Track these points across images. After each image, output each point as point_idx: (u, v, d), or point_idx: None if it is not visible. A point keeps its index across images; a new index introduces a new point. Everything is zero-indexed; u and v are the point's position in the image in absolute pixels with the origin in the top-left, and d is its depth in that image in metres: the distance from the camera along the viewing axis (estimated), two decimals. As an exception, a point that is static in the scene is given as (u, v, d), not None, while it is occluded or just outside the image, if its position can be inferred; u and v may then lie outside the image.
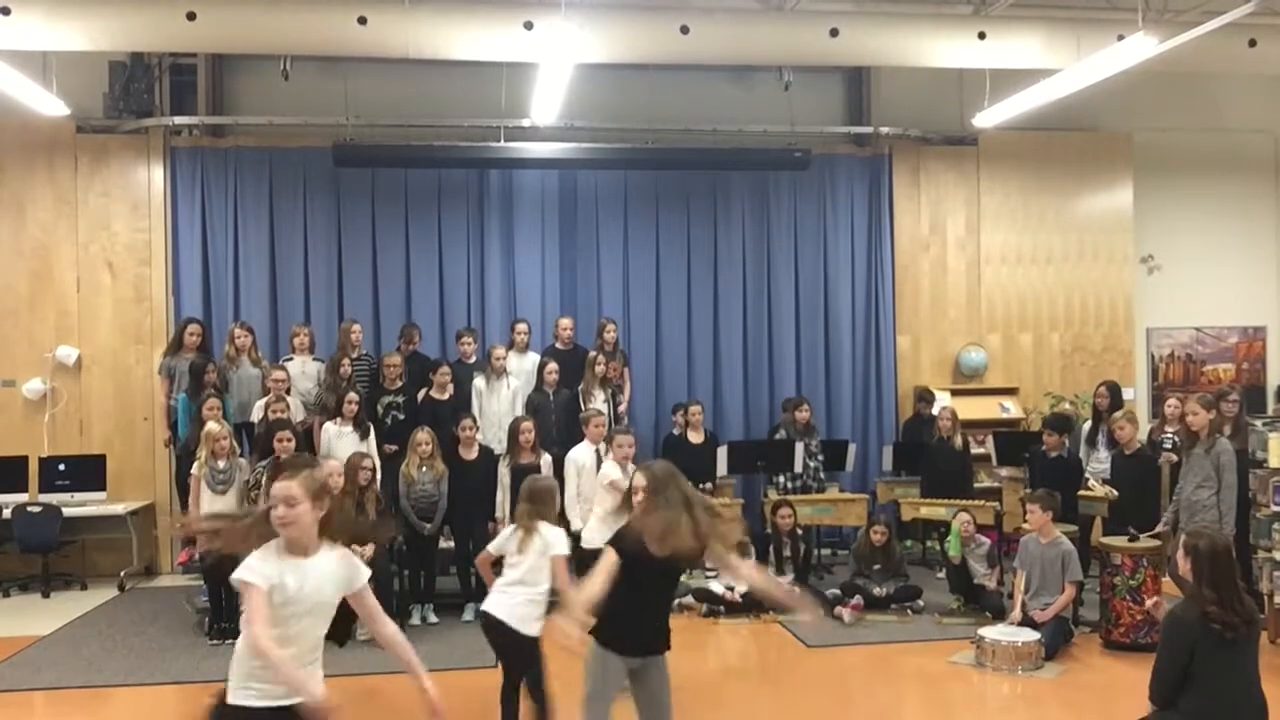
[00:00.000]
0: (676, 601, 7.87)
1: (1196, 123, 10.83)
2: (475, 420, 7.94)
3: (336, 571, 3.24)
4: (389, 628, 3.40)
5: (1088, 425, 8.53)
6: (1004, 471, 9.18)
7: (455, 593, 7.65)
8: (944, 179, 10.45)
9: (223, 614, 7.14)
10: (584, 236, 10.01)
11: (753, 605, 7.73)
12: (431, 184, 9.78)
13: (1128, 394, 10.22)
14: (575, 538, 7.71)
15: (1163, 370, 11.06)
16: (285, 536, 3.16)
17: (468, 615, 7.51)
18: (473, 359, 8.82)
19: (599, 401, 8.47)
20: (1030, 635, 6.46)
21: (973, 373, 10.37)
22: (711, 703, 6.13)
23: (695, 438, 8.94)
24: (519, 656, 4.75)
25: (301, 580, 3.14)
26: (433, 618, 7.40)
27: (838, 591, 7.79)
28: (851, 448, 9.50)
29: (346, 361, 8.31)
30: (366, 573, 3.36)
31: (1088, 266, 10.62)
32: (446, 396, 8.31)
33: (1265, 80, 10.49)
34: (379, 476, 7.44)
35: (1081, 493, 7.92)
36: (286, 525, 3.14)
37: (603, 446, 7.80)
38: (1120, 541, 6.86)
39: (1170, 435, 7.45)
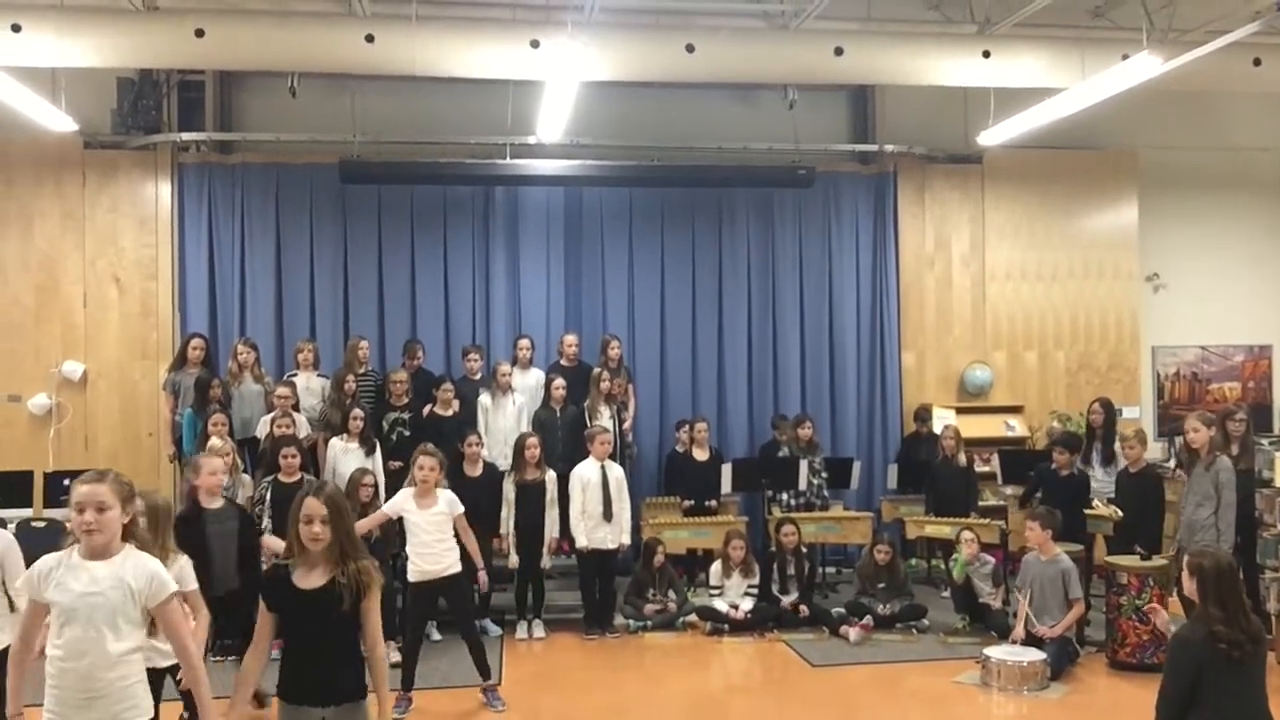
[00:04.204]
0: (680, 620, 7.87)
1: (1202, 141, 10.84)
2: (480, 436, 7.96)
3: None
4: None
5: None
6: (1009, 490, 9.15)
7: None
8: (949, 197, 10.46)
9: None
10: (589, 253, 10.02)
11: (757, 623, 7.72)
12: (437, 201, 9.81)
13: (1132, 412, 10.22)
14: (580, 553, 7.76)
15: (1168, 389, 11.03)
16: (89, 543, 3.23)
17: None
18: (478, 375, 8.83)
19: (604, 418, 8.46)
20: (1036, 655, 6.43)
21: (978, 390, 10.36)
22: (715, 722, 6.12)
23: (700, 455, 8.93)
24: None
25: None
26: (435, 635, 7.38)
27: (843, 610, 7.77)
28: (856, 465, 9.48)
29: (351, 378, 8.33)
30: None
31: (1093, 284, 10.61)
32: (451, 413, 8.32)
33: (1270, 99, 10.51)
34: (382, 494, 7.44)
35: (1087, 511, 7.89)
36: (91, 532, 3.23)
37: (608, 463, 7.84)
38: (1126, 561, 6.83)
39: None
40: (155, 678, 4.36)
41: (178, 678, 4.45)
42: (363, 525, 6.19)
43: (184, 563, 4.46)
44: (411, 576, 6.13)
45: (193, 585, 4.45)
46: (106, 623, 3.24)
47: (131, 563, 3.33)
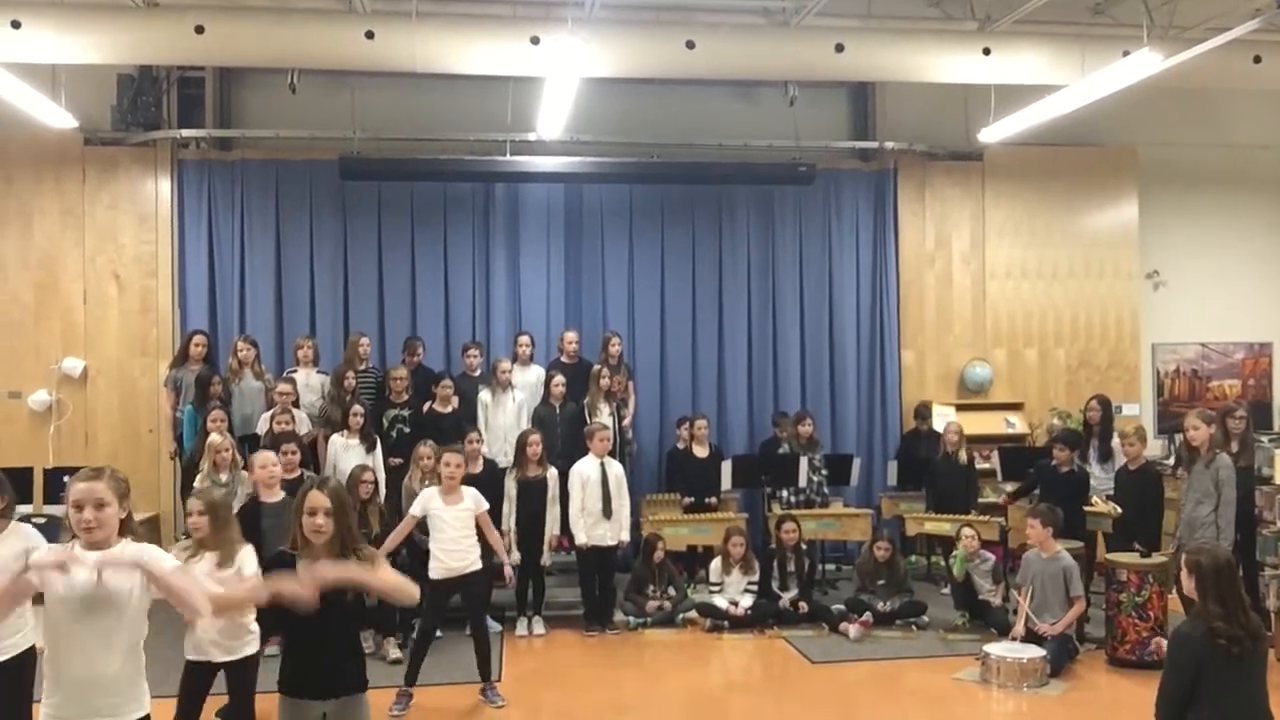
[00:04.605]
0: (680, 616, 7.87)
1: (1202, 138, 10.83)
2: (480, 433, 7.96)
3: None
4: None
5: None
6: (1009, 487, 9.14)
7: (457, 606, 7.62)
8: (949, 194, 10.46)
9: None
10: (589, 250, 10.02)
11: (757, 620, 7.73)
12: (437, 198, 9.80)
13: (1133, 409, 10.22)
14: (579, 550, 7.76)
15: (1168, 386, 11.03)
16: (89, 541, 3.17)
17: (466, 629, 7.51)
18: (478, 372, 8.83)
19: (604, 415, 8.46)
20: (1035, 652, 6.44)
21: (978, 388, 10.35)
22: (715, 718, 6.11)
23: (700, 452, 8.93)
24: None
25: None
26: (436, 631, 7.37)
27: (842, 607, 7.77)
28: (856, 462, 9.47)
29: (351, 374, 8.33)
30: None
31: (1093, 282, 10.60)
32: (449, 410, 8.32)
33: (1270, 96, 10.50)
34: (382, 490, 7.44)
35: (1086, 509, 7.89)
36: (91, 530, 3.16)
37: (608, 460, 7.84)
38: (1126, 558, 6.83)
39: None
40: (208, 671, 4.60)
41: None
42: (396, 536, 6.26)
43: (247, 552, 4.55)
44: (434, 574, 6.15)
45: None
46: (106, 614, 3.23)
47: (131, 550, 3.30)
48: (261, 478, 6.15)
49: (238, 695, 4.69)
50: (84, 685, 3.21)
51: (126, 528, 3.35)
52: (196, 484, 7.14)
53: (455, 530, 6.12)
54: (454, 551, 6.11)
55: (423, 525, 6.67)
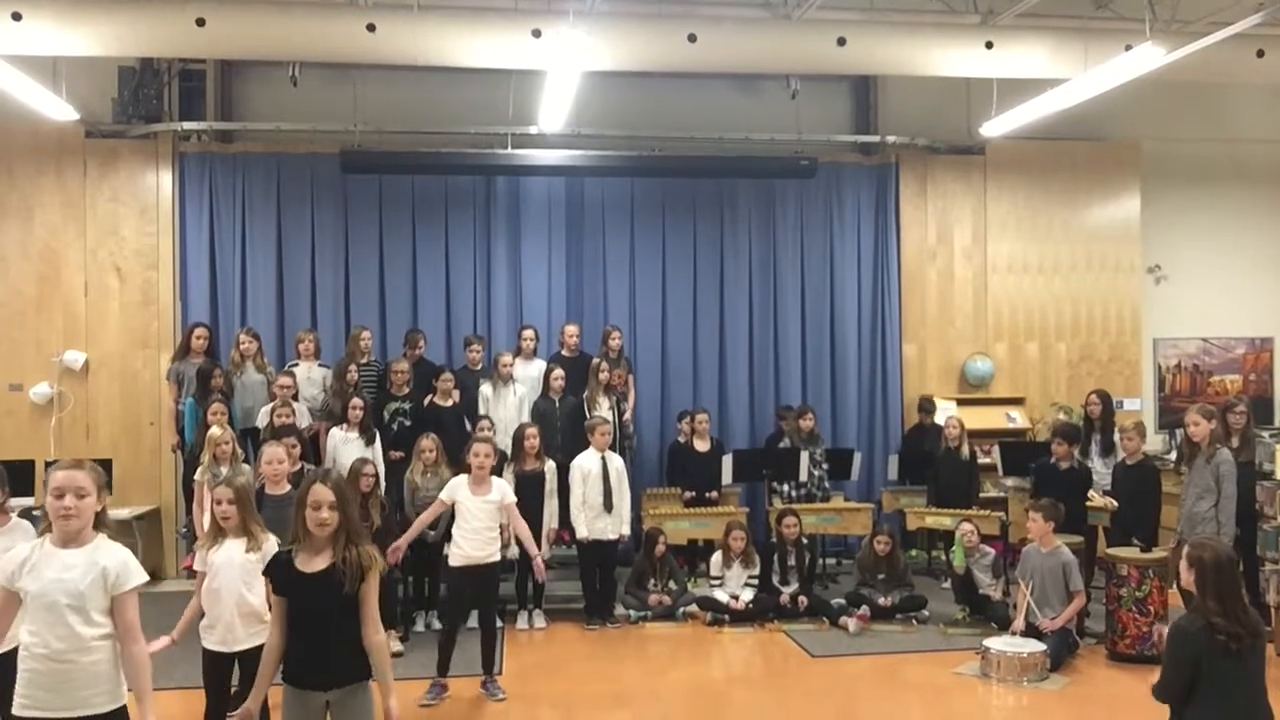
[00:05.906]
0: (681, 610, 7.88)
1: (1204, 133, 10.82)
2: (492, 424, 7.96)
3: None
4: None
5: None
6: (1010, 481, 9.16)
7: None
8: (951, 188, 10.44)
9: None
10: (590, 244, 10.02)
11: (758, 614, 7.73)
12: (439, 191, 9.80)
13: (1134, 404, 10.22)
14: (580, 544, 7.77)
15: (1169, 381, 11.03)
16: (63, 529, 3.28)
17: (471, 622, 7.50)
18: (479, 366, 8.84)
19: (604, 409, 8.46)
20: (1036, 646, 6.44)
21: (979, 382, 10.35)
22: (715, 712, 6.12)
23: (701, 446, 8.93)
24: None
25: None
26: (436, 624, 7.39)
27: (843, 601, 7.78)
28: (857, 456, 9.48)
29: (353, 368, 8.34)
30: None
31: (1095, 276, 10.59)
32: (450, 403, 8.33)
33: (1273, 90, 10.49)
34: (383, 483, 7.45)
35: (1086, 504, 7.89)
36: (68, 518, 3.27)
37: (608, 453, 7.84)
38: (1127, 552, 6.83)
39: None
40: (225, 661, 4.63)
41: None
42: (424, 519, 6.33)
43: (273, 542, 4.60)
44: (454, 561, 6.18)
45: None
46: (77, 608, 3.30)
47: (105, 549, 3.39)
48: (267, 473, 6.17)
49: (251, 683, 4.72)
50: (55, 675, 3.29)
51: (101, 521, 3.45)
52: (197, 477, 7.15)
53: (480, 521, 6.12)
54: (475, 540, 6.12)
55: (432, 521, 6.69)
